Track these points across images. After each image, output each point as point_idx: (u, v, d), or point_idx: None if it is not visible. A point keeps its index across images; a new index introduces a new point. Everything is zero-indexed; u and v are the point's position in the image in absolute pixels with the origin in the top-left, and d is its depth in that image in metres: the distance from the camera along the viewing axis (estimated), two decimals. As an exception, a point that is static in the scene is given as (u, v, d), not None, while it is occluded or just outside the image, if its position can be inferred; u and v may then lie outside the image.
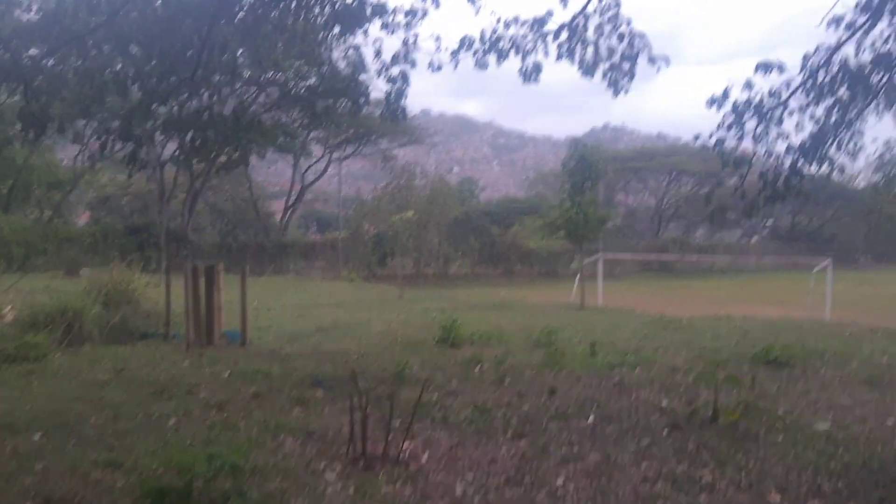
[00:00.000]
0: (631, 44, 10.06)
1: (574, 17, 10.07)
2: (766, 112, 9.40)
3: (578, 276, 22.55)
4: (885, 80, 9.61)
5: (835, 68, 9.29)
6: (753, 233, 69.31)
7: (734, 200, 10.86)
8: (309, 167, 48.07)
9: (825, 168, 9.99)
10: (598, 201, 22.79)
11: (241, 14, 10.41)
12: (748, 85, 9.11)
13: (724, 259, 48.26)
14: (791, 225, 64.52)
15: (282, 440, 6.54)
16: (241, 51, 12.29)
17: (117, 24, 9.46)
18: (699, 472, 5.78)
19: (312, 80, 34.05)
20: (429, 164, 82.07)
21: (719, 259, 48.37)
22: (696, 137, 9.90)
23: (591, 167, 20.50)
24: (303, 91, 35.04)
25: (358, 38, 10.60)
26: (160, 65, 10.18)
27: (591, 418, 7.39)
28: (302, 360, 10.50)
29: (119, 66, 10.08)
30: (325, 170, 48.79)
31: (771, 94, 9.26)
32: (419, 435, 6.68)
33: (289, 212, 48.64)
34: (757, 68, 9.02)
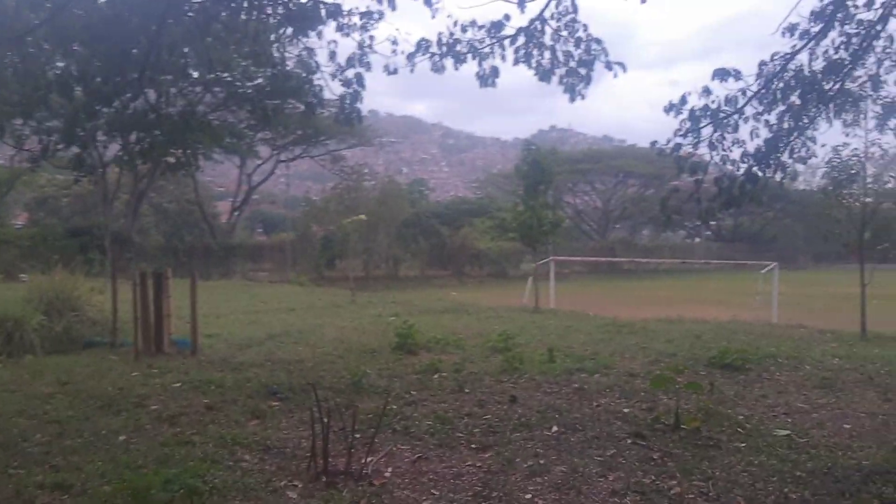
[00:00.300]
0: (588, 49, 10.00)
1: (531, 22, 9.99)
2: (722, 119, 9.45)
3: (531, 278, 22.58)
4: (836, 87, 9.78)
5: (789, 76, 9.41)
6: (697, 234, 70.68)
7: (681, 203, 10.95)
8: (256, 168, 47.36)
9: (778, 175, 10.09)
10: (550, 204, 22.86)
11: (190, 13, 10.10)
12: (706, 91, 9.13)
13: (673, 262, 48.93)
14: (734, 226, 65.98)
15: (239, 456, 6.32)
16: (186, 50, 11.95)
17: (60, 22, 9.08)
18: (667, 482, 5.74)
19: (260, 81, 33.54)
20: (377, 164, 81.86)
21: (668, 262, 49.02)
22: (653, 143, 9.89)
23: (544, 170, 20.54)
24: (250, 92, 34.44)
25: (312, 40, 10.34)
26: (105, 64, 9.82)
27: (554, 428, 7.31)
28: (255, 369, 10.23)
29: (62, 66, 9.69)
30: (272, 171, 48.14)
31: (728, 101, 9.31)
32: (381, 448, 6.52)
33: (236, 213, 47.83)
34: (714, 75, 9.04)
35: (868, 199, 14.28)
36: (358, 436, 6.34)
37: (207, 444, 6.62)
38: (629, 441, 6.91)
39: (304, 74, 14.09)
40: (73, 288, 12.74)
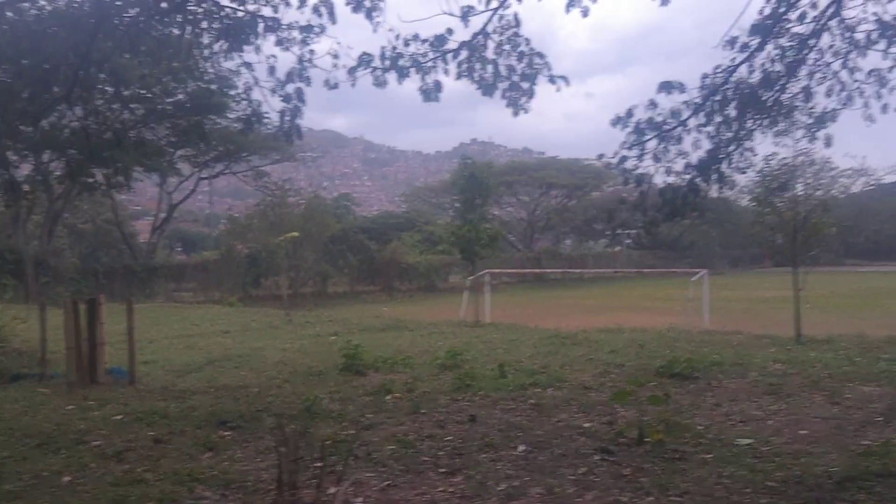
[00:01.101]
0: (531, 63, 10.00)
1: (474, 36, 9.95)
2: (666, 131, 9.59)
3: (466, 292, 22.55)
4: (772, 99, 10.05)
5: (728, 88, 9.62)
6: (618, 242, 72.26)
7: (630, 215, 11.10)
8: (177, 186, 46.12)
9: (718, 186, 10.30)
10: (487, 218, 22.94)
11: (121, 28, 9.69)
12: (652, 105, 9.25)
13: (602, 271, 49.79)
14: (651, 234, 67.57)
15: (199, 493, 5.98)
16: (116, 65, 11.50)
17: (-18, 37, 8.60)
18: (644, 499, 5.68)
19: (180, 97, 32.78)
20: (299, 180, 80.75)
21: (601, 271, 49.88)
22: (600, 156, 9.97)
23: (481, 185, 20.56)
24: (170, 108, 33.63)
25: (250, 55, 10.03)
26: (32, 81, 9.35)
27: (520, 447, 7.20)
28: (199, 397, 9.80)
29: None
30: (194, 188, 46.93)
31: (672, 113, 9.45)
32: (346, 476, 6.27)
33: (156, 233, 46.41)
34: (660, 88, 9.17)
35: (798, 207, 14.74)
36: (319, 464, 6.09)
37: (163, 482, 6.25)
38: (597, 458, 6.83)
39: (226, 90, 13.72)
40: (-7, 317, 12.04)
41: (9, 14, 8.89)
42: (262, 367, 12.33)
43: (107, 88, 18.49)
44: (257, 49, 9.90)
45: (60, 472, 6.66)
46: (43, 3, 9.29)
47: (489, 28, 9.80)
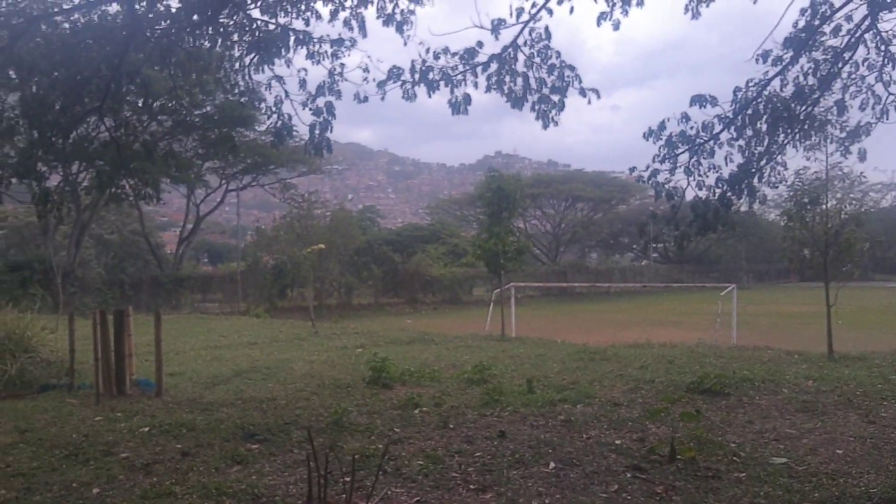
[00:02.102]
0: (561, 76, 9.93)
1: (504, 49, 9.91)
2: (699, 145, 9.47)
3: (492, 304, 22.44)
4: (804, 112, 9.91)
5: (762, 102, 9.49)
6: (644, 256, 71.75)
7: (660, 229, 11.01)
8: (204, 198, 46.49)
9: (748, 200, 10.15)
10: (513, 230, 22.86)
11: (153, 40, 9.76)
12: (685, 118, 9.15)
13: (629, 285, 49.41)
14: (681, 248, 67.05)
15: (228, 507, 5.94)
16: (147, 78, 11.58)
17: (18, 50, 8.66)
18: (678, 519, 5.56)
19: (209, 109, 33.09)
20: (325, 192, 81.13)
21: (629, 286, 49.50)
22: (632, 170, 9.86)
23: (508, 197, 20.49)
24: (197, 120, 33.95)
25: (281, 68, 10.05)
26: (64, 93, 9.41)
27: (551, 464, 7.09)
28: (226, 409, 9.78)
29: (19, 96, 9.25)
30: (221, 200, 47.26)
31: (704, 127, 9.34)
32: (375, 492, 6.20)
33: (183, 244, 46.75)
34: (692, 102, 9.06)
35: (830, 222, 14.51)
36: (348, 479, 6.03)
37: (191, 496, 6.23)
38: (629, 475, 6.73)
39: (255, 103, 13.76)
40: (24, 327, 12.10)
41: (43, 27, 8.97)
42: (289, 379, 12.29)
43: (136, 100, 18.74)
44: (288, 62, 9.92)
45: (89, 483, 6.67)
46: (77, 16, 9.36)
47: (520, 41, 9.77)
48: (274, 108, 10.05)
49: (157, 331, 11.15)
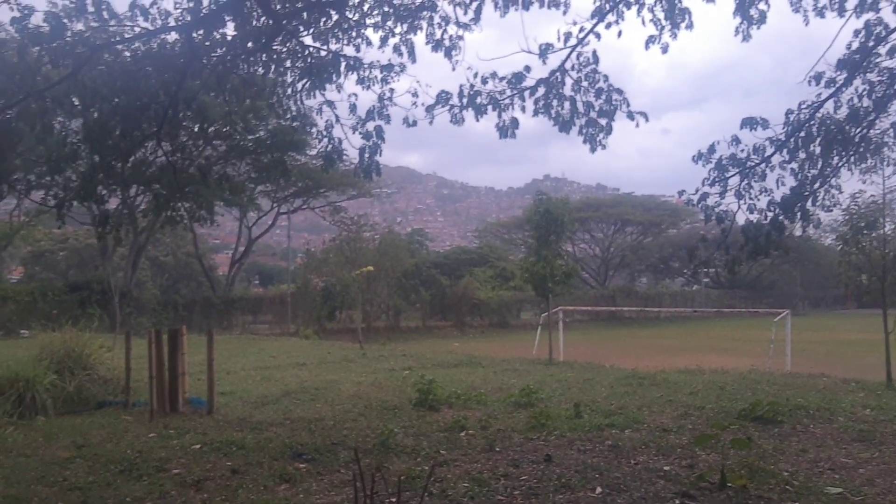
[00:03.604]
0: (609, 99, 9.93)
1: (552, 73, 9.96)
2: (749, 168, 9.38)
3: (540, 328, 22.36)
4: (859, 135, 9.74)
5: (815, 125, 9.36)
6: (696, 281, 70.66)
7: (711, 253, 10.92)
8: (256, 221, 47.31)
9: (802, 224, 9.99)
10: (562, 254, 22.80)
11: (209, 67, 10.05)
12: (735, 141, 9.08)
13: (679, 310, 48.71)
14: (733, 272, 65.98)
15: (276, 525, 6.02)
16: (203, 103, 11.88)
17: (81, 77, 9.00)
18: (728, 548, 5.47)
19: (262, 134, 33.73)
20: (374, 215, 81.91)
21: (678, 311, 48.81)
22: (681, 193, 9.79)
23: (556, 220, 20.47)
24: (251, 145, 34.63)
25: (332, 93, 10.25)
26: (124, 119, 9.74)
27: (598, 489, 7.03)
28: (275, 429, 9.92)
29: (83, 121, 9.59)
30: (272, 223, 48.04)
31: (755, 149, 9.25)
32: (421, 513, 6.22)
33: (235, 266, 47.58)
34: (742, 124, 8.98)
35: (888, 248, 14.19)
36: (394, 499, 6.07)
37: (240, 512, 6.32)
38: (678, 502, 6.63)
39: (307, 128, 13.99)
40: (83, 345, 12.43)
41: (105, 56, 9.31)
42: (337, 399, 12.40)
43: (193, 126, 19.25)
44: (339, 87, 10.14)
45: (142, 498, 6.82)
46: (137, 44, 9.69)
47: (567, 65, 9.82)
48: (324, 133, 10.24)
49: (209, 350, 11.37)
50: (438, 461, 8.10)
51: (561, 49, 9.42)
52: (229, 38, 9.94)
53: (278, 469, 7.75)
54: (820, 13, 9.25)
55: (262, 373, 16.34)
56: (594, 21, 9.24)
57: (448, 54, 9.81)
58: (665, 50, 9.40)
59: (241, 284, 55.06)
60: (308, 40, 10.02)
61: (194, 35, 9.44)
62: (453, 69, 9.97)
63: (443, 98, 9.70)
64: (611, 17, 9.22)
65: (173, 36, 9.89)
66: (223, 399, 12.07)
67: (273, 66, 10.52)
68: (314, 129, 10.68)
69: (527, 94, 9.96)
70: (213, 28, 9.65)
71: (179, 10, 9.37)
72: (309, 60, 10.18)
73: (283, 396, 12.71)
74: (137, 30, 9.24)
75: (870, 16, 9.03)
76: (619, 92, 9.83)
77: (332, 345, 26.01)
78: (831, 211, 10.66)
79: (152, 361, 10.86)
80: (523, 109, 10.01)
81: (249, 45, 9.93)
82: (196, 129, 12.70)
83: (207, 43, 9.92)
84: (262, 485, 7.23)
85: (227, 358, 18.46)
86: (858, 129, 9.68)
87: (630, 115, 9.80)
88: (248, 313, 42.82)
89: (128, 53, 9.64)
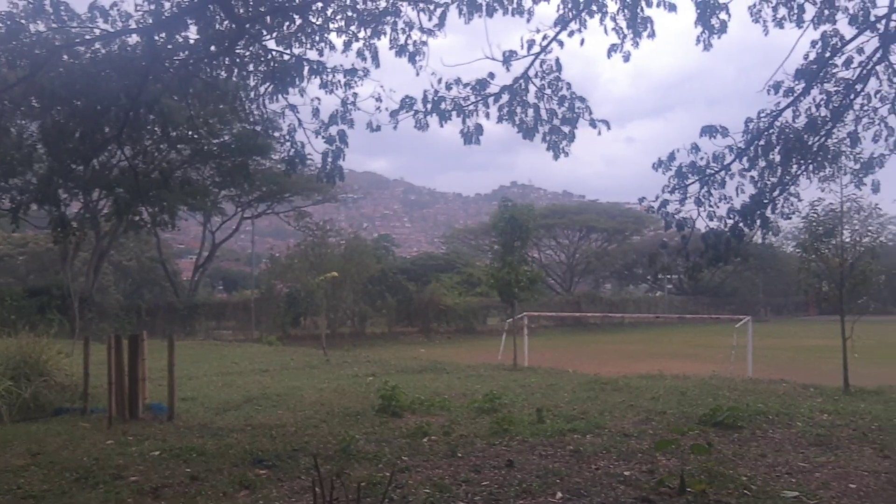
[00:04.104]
0: (572, 107, 10.00)
1: (516, 80, 10.01)
2: (709, 175, 9.50)
3: (505, 334, 22.42)
4: (817, 143, 9.93)
5: (774, 133, 9.52)
6: (659, 288, 71.38)
7: (672, 259, 11.02)
8: (220, 226, 46.83)
9: (762, 231, 10.14)
10: (527, 260, 22.90)
11: (171, 70, 9.95)
12: (695, 148, 9.20)
13: (643, 316, 49.16)
14: (694, 279, 66.72)
15: (234, 533, 5.96)
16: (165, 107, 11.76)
17: (39, 80, 8.87)
18: (686, 552, 5.52)
19: (226, 138, 33.42)
20: (340, 221, 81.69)
21: (641, 316, 49.25)
22: (641, 200, 9.90)
23: (521, 227, 20.55)
24: (215, 149, 34.29)
25: (295, 97, 10.20)
26: (84, 122, 9.61)
27: (558, 494, 7.06)
28: (236, 435, 9.83)
29: (40, 124, 9.46)
30: (236, 228, 47.58)
31: (715, 157, 9.37)
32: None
33: (199, 271, 47.04)
34: (702, 132, 9.11)
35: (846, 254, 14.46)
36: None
37: (198, 520, 6.25)
38: (637, 507, 6.68)
39: (270, 132, 13.90)
40: (40, 351, 12.21)
41: (65, 57, 9.18)
42: (299, 406, 12.32)
43: (155, 129, 19.01)
44: (302, 92, 10.09)
45: (98, 507, 6.70)
46: (97, 46, 9.58)
47: (531, 72, 9.87)
48: (288, 137, 10.19)
49: (170, 356, 11.23)
50: (399, 467, 8.07)
51: (525, 56, 9.48)
52: (192, 41, 9.87)
53: (238, 475, 7.67)
54: (779, 24, 9.41)
55: (225, 379, 16.19)
56: (557, 29, 9.30)
57: (412, 60, 9.81)
58: (627, 58, 9.47)
59: (204, 290, 54.44)
60: (271, 44, 9.97)
61: (156, 38, 9.35)
62: (417, 74, 9.96)
63: (407, 103, 9.69)
64: (574, 26, 9.30)
65: (134, 38, 9.80)
66: (184, 405, 11.93)
67: (236, 70, 10.45)
68: (278, 134, 10.64)
69: (491, 100, 10.00)
70: (175, 31, 9.57)
71: (140, 13, 9.29)
72: (272, 64, 10.12)
73: (245, 402, 12.61)
74: (97, 31, 9.13)
75: (826, 27, 9.23)
76: (582, 100, 9.90)
77: (296, 351, 25.84)
78: (790, 218, 10.84)
79: (111, 367, 10.71)
80: (487, 116, 10.06)
81: (212, 48, 9.87)
82: (159, 133, 12.55)
83: (170, 46, 9.84)
84: (221, 491, 7.16)
85: (189, 364, 18.25)
86: (816, 138, 9.87)
87: (592, 123, 9.87)
88: (212, 319, 42.36)
89: (88, 55, 9.52)
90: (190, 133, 29.35)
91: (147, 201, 11.67)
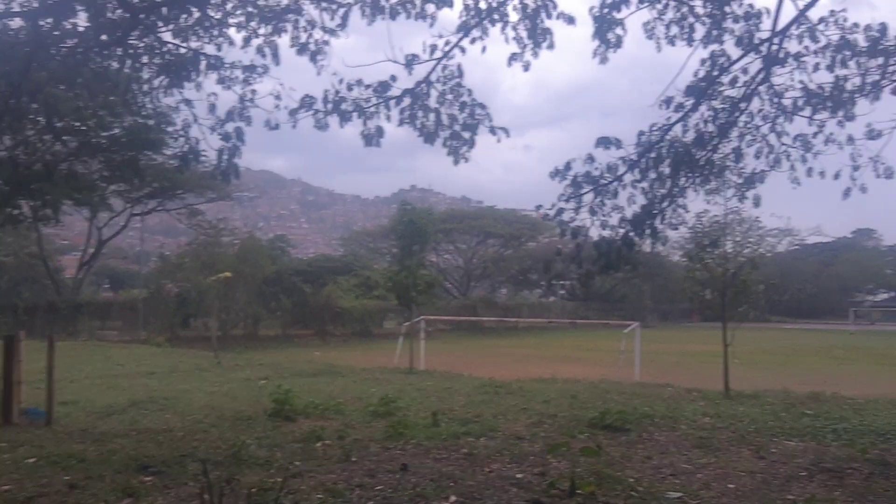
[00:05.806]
0: (472, 113, 10.08)
1: (417, 84, 10.01)
2: (603, 186, 9.75)
3: (402, 338, 22.41)
4: (704, 157, 10.36)
5: (664, 146, 9.87)
6: (552, 293, 72.99)
7: (564, 266, 11.25)
8: (107, 222, 44.96)
9: (651, 241, 10.48)
10: (424, 264, 22.98)
11: (58, 57, 9.48)
12: (590, 159, 9.41)
13: (536, 321, 50.05)
14: (586, 286, 68.58)
15: (116, 543, 5.71)
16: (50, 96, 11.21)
17: None
18: (575, 553, 5.64)
19: (116, 131, 32.09)
20: (234, 220, 79.84)
21: (537, 321, 50.14)
22: (538, 207, 10.09)
23: (419, 231, 20.60)
24: (104, 142, 32.85)
25: (190, 92, 9.87)
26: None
27: (452, 498, 7.09)
28: (121, 441, 9.44)
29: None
30: (125, 225, 45.80)
31: (609, 168, 9.62)
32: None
33: (84, 269, 45.02)
34: (597, 143, 9.33)
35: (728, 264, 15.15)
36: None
37: (77, 531, 5.96)
38: (529, 510, 6.78)
39: (164, 126, 13.46)
40: None
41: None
42: (188, 410, 11.95)
43: (38, 119, 18.05)
44: (198, 86, 9.77)
45: (-34, 518, 6.30)
46: (-26, 29, 9.04)
47: (433, 77, 9.88)
48: (182, 132, 9.87)
49: (49, 357, 10.70)
50: (292, 472, 7.93)
51: (427, 61, 9.48)
52: (81, 28, 9.42)
53: (121, 483, 7.37)
54: (671, 41, 9.78)
55: (109, 381, 15.55)
56: (460, 35, 9.36)
57: (314, 59, 9.66)
58: (527, 68, 9.63)
59: (89, 288, 52.19)
60: (167, 36, 9.63)
61: (41, 23, 8.88)
62: (318, 74, 9.81)
63: (307, 102, 9.53)
64: (476, 33, 9.38)
65: (17, 22, 9.28)
66: (64, 409, 11.39)
67: (129, 61, 10.03)
68: (171, 129, 10.29)
69: (392, 103, 9.96)
70: (63, 17, 9.11)
71: (25, -5, 8.82)
72: (167, 57, 9.77)
73: (130, 406, 12.14)
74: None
75: (715, 47, 9.66)
76: (483, 107, 9.99)
77: (185, 353, 25.11)
78: (678, 229, 11.26)
79: (-17, 370, 10.10)
80: (388, 118, 10.01)
81: (103, 37, 9.45)
82: (43, 123, 11.93)
83: (57, 32, 9.36)
84: (102, 500, 6.86)
85: (70, 366, 17.43)
86: (703, 153, 10.30)
87: (492, 130, 9.97)
88: (96, 318, 40.67)
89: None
90: (77, 124, 28.02)
91: (28, 194, 11.08)
